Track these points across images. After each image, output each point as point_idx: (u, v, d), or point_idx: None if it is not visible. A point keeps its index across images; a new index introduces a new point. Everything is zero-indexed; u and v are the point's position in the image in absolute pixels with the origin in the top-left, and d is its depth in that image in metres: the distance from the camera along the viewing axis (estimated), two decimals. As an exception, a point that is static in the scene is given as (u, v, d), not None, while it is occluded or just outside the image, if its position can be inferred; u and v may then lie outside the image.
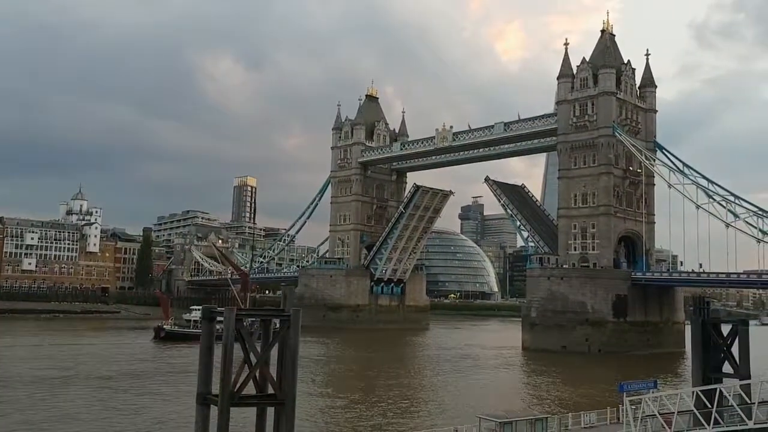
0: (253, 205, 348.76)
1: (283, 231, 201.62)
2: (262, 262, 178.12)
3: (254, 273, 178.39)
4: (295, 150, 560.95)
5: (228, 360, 23.10)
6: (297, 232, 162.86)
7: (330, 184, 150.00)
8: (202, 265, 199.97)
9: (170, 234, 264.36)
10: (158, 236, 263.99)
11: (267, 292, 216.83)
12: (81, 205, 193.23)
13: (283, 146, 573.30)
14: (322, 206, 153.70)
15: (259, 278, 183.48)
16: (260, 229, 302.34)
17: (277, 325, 25.35)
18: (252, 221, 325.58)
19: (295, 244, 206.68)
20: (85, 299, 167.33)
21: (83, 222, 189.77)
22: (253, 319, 36.64)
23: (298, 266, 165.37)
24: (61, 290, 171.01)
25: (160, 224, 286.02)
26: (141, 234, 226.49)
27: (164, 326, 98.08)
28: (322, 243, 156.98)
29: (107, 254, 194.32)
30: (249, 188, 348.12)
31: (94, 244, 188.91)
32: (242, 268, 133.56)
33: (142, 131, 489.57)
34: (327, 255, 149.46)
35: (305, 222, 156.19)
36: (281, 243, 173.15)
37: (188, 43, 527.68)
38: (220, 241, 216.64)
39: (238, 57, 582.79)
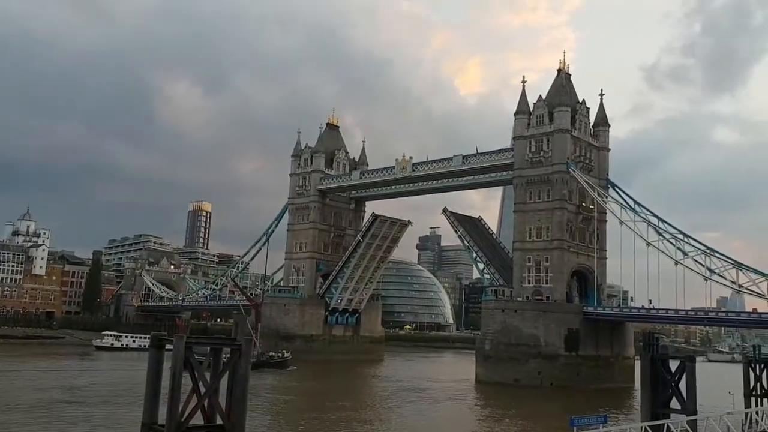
0: (207, 230, 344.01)
1: (237, 258, 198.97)
2: (214, 289, 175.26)
3: (205, 300, 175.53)
4: (252, 176, 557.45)
5: (176, 389, 22.60)
6: (251, 260, 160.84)
7: (287, 211, 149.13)
8: (152, 290, 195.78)
9: (121, 258, 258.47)
10: (109, 260, 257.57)
11: (218, 320, 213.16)
12: (28, 226, 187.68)
13: (241, 171, 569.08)
14: (277, 233, 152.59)
15: (210, 305, 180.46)
16: (214, 255, 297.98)
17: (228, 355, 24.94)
18: (205, 247, 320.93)
19: (249, 272, 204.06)
20: (28, 324, 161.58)
21: (30, 243, 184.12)
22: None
23: (251, 294, 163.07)
24: (2, 314, 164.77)
25: (111, 248, 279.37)
26: (91, 257, 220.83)
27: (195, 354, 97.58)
28: (277, 271, 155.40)
29: (54, 277, 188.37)
30: (204, 213, 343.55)
31: (41, 267, 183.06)
32: (253, 296, 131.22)
33: (94, 151, 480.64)
34: (281, 283, 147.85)
35: (260, 249, 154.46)
36: (235, 270, 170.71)
37: (145, 63, 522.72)
38: (172, 266, 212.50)
39: (195, 79, 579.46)
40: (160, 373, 24.01)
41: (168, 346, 24.26)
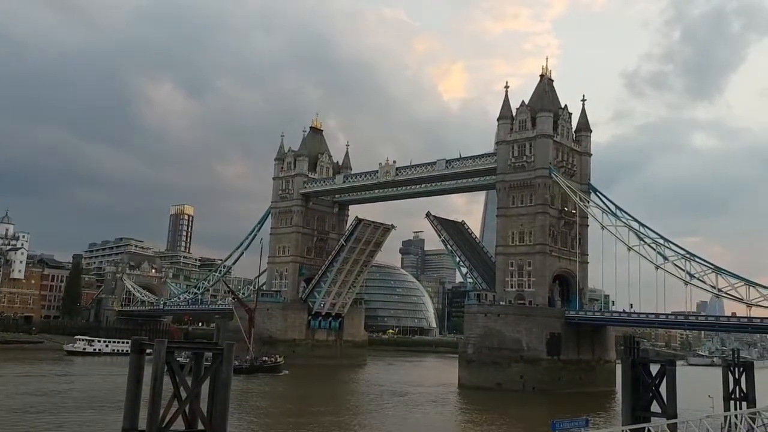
0: (189, 234, 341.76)
1: (219, 262, 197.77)
2: (196, 293, 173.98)
3: (187, 304, 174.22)
4: (235, 179, 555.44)
5: (156, 394, 22.43)
6: (234, 263, 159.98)
7: (270, 215, 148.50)
8: (133, 294, 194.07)
9: (102, 262, 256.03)
10: (89, 264, 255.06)
11: (200, 324, 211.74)
12: (7, 229, 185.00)
13: (224, 175, 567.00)
14: (261, 237, 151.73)
15: (192, 310, 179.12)
16: (195, 259, 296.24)
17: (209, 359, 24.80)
18: (187, 251, 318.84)
19: (232, 275, 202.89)
20: (6, 328, 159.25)
21: (8, 247, 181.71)
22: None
23: (233, 298, 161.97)
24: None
25: (92, 251, 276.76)
26: (70, 261, 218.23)
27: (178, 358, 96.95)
28: (260, 275, 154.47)
29: (33, 281, 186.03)
30: (186, 217, 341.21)
31: (19, 271, 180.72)
32: (248, 303, 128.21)
33: (75, 154, 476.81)
34: (264, 287, 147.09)
35: (242, 253, 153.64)
36: (217, 274, 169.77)
37: (127, 67, 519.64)
38: (153, 270, 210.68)
39: (178, 83, 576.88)
40: (141, 378, 23.79)
41: (149, 351, 24.07)
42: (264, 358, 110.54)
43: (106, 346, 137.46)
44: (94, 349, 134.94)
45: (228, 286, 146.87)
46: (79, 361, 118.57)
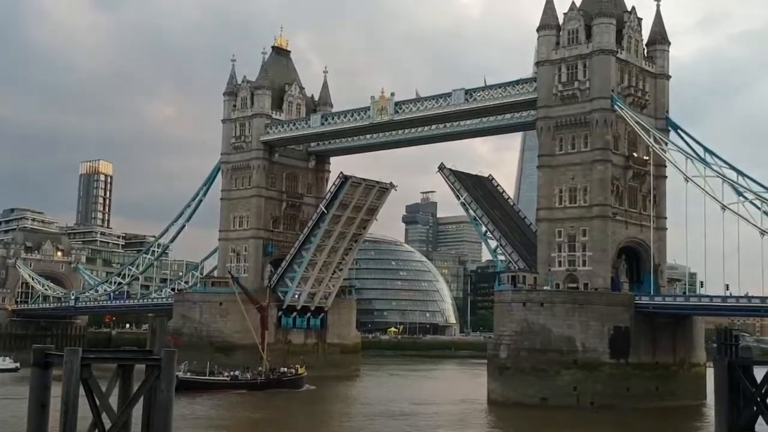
0: (107, 201, 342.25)
1: (152, 239, 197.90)
2: (120, 283, 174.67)
3: (109, 299, 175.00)
4: (167, 122, 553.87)
5: (70, 425, 22.58)
6: (171, 241, 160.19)
7: (220, 173, 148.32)
8: (33, 287, 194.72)
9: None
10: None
11: (128, 326, 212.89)
12: None
13: (151, 117, 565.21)
14: (208, 205, 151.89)
15: (115, 307, 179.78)
16: (117, 236, 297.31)
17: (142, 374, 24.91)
18: (106, 224, 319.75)
19: (170, 258, 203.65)
20: None
21: None
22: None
23: (172, 289, 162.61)
24: None
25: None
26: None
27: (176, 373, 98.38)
28: (208, 256, 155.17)
29: None
30: (102, 177, 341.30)
31: None
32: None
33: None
34: (215, 273, 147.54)
35: (183, 226, 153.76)
36: (148, 256, 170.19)
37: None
38: (59, 253, 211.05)
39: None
40: (47, 402, 23.95)
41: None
42: (282, 370, 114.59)
43: None
44: None
45: (231, 276, 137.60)
46: None
